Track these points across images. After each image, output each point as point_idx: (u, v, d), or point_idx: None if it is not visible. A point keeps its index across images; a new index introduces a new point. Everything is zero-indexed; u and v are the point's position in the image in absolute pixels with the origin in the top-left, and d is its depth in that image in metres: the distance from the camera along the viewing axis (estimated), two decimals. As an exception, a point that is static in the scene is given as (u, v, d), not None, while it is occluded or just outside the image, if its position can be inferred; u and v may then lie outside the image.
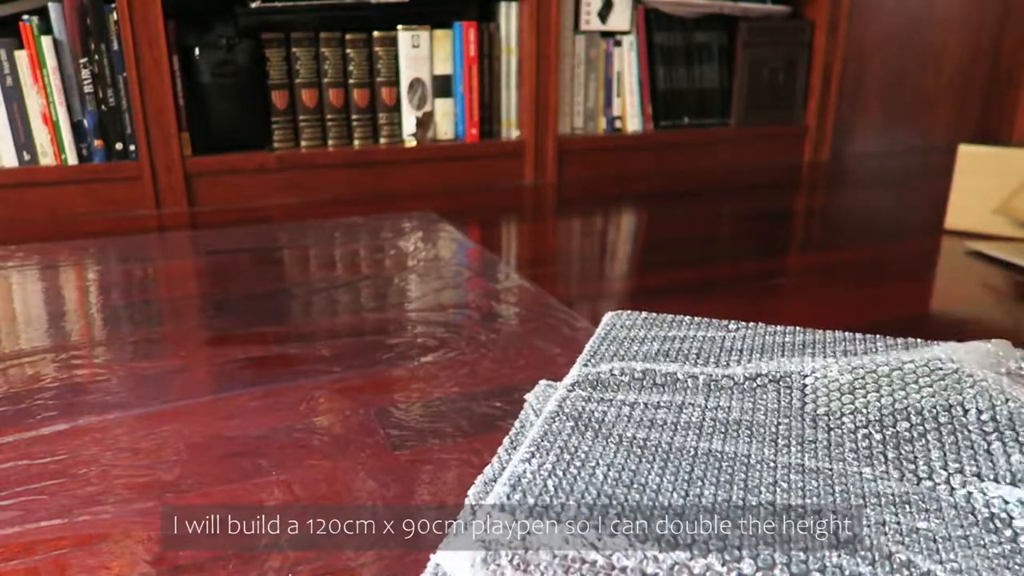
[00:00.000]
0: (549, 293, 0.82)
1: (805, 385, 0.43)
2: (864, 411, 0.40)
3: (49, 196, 1.14)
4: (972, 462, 0.36)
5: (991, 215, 1.03)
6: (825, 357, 0.47)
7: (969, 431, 0.38)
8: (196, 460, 0.49)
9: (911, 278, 0.88)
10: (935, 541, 0.32)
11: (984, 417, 0.38)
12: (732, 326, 0.55)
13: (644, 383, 0.47)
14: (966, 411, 0.39)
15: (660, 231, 1.09)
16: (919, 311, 0.78)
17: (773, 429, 0.40)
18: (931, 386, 0.41)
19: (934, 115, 1.79)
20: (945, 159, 1.66)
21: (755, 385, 0.44)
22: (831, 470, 0.37)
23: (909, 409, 0.40)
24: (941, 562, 0.31)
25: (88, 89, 1.13)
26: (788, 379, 0.45)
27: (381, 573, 0.39)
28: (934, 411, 0.39)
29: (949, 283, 0.86)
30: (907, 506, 0.35)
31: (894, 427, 0.38)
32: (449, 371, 0.62)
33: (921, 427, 0.38)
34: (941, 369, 0.43)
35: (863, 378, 0.43)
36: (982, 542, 0.32)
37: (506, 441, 0.45)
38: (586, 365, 0.50)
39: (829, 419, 0.40)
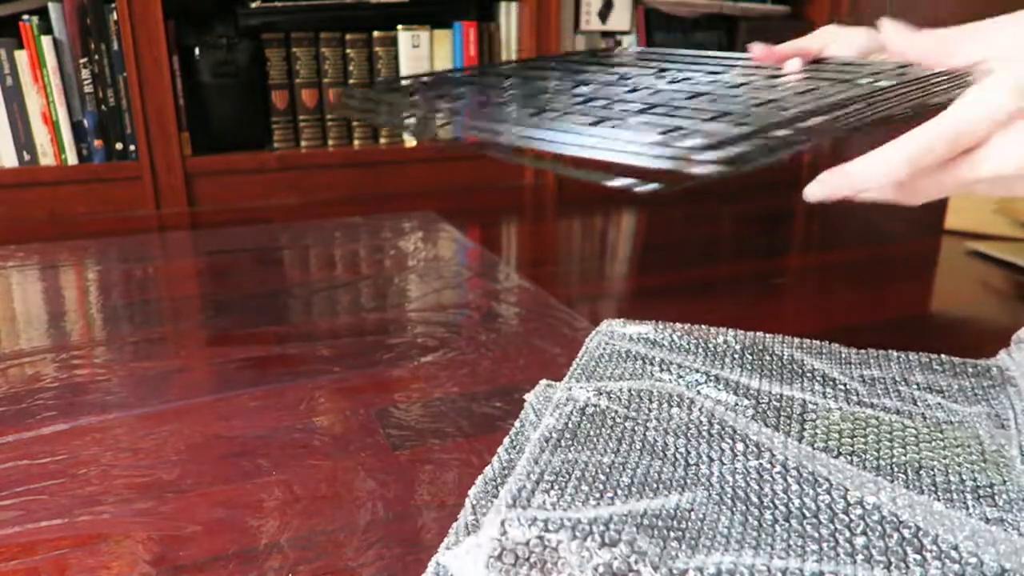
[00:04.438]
0: (549, 293, 0.81)
1: (805, 421, 0.43)
2: (862, 455, 0.40)
3: (49, 196, 1.14)
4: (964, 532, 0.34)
5: (991, 215, 1.03)
6: (824, 390, 0.47)
7: (966, 501, 0.37)
8: (196, 460, 0.49)
9: (911, 278, 0.88)
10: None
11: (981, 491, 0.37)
12: (730, 335, 0.54)
13: (652, 375, 0.47)
14: (963, 480, 0.38)
15: (660, 231, 1.09)
16: (919, 311, 0.78)
17: (780, 448, 0.40)
18: (930, 443, 0.41)
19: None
20: (945, 159, 1.66)
21: (757, 410, 0.44)
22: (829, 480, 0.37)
23: (907, 465, 0.39)
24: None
25: (88, 89, 1.13)
26: (789, 406, 0.44)
27: (381, 573, 0.39)
28: (931, 471, 0.39)
29: (949, 283, 0.86)
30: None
31: (891, 480, 0.38)
32: (449, 371, 0.62)
33: (918, 483, 0.37)
34: (942, 431, 0.42)
35: (864, 430, 0.42)
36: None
37: (506, 441, 0.45)
38: (581, 375, 0.50)
39: (827, 454, 0.40)
